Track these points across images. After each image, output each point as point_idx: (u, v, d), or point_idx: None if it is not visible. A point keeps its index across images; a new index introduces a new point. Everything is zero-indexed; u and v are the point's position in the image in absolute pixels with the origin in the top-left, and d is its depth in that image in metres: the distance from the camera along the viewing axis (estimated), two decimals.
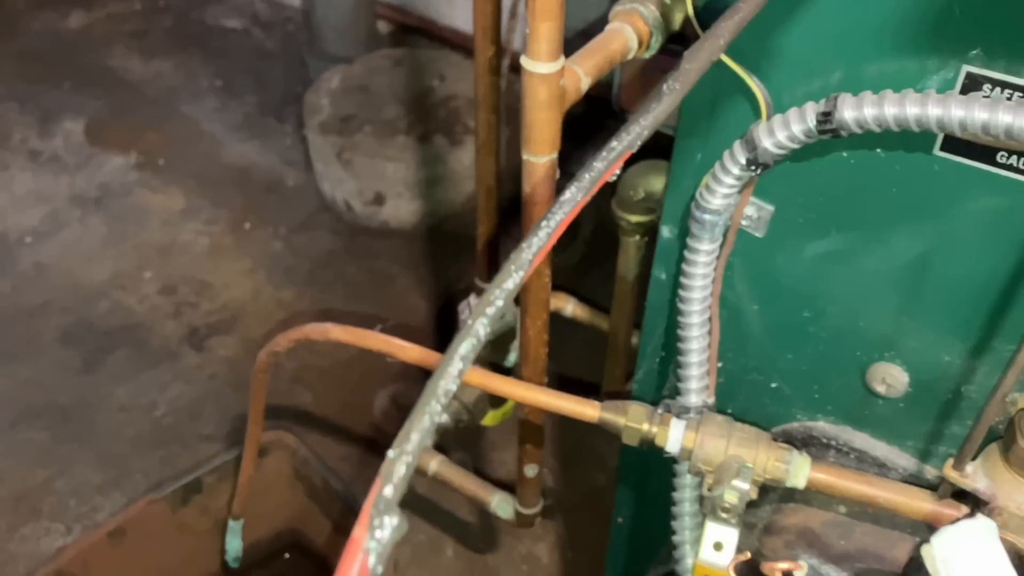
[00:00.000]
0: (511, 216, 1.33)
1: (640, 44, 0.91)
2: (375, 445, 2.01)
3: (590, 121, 1.86)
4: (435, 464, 1.29)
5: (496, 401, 1.39)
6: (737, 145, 0.77)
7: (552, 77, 0.81)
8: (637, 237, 1.13)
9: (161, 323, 2.30)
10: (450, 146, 2.43)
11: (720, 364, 0.94)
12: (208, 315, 2.32)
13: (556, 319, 1.66)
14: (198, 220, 2.56)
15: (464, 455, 1.91)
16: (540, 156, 0.85)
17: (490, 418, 1.41)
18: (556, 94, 0.82)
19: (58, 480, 1.98)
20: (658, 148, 1.01)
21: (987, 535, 0.49)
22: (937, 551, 0.49)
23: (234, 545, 1.37)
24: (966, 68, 0.67)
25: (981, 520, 0.50)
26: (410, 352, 0.89)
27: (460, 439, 1.62)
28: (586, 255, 2.32)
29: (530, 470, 1.14)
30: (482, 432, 1.88)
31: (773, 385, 0.93)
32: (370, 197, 2.45)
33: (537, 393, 0.86)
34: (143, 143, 2.78)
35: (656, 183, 1.05)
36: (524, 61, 0.81)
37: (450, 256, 2.47)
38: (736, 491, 0.76)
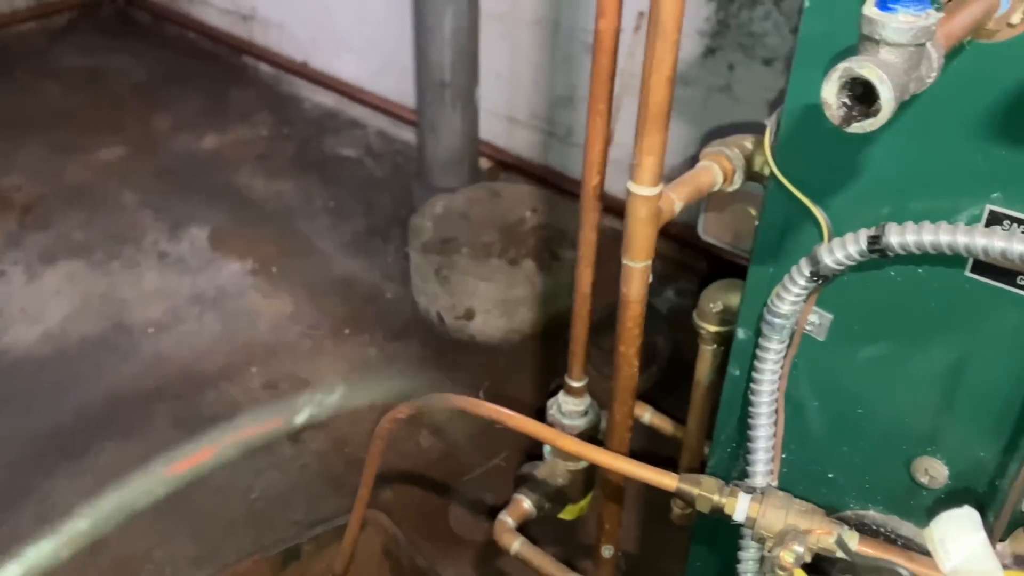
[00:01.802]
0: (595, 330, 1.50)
1: (724, 179, 1.11)
2: (448, 550, 2.12)
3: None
4: (517, 545, 1.42)
5: (575, 496, 1.52)
6: (803, 261, 0.94)
7: (652, 199, 1.00)
8: (714, 346, 1.29)
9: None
10: (538, 271, 2.64)
11: (784, 455, 1.07)
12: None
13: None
14: (303, 324, 2.79)
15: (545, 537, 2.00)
16: (637, 262, 1.03)
17: (568, 512, 1.53)
18: (654, 213, 1.01)
19: (157, 550, 2.14)
20: (734, 268, 1.19)
21: (973, 522, 0.61)
22: (935, 533, 0.61)
23: None
24: (989, 207, 0.84)
25: (967, 510, 0.62)
26: (520, 422, 1.05)
27: (541, 523, 1.73)
28: (660, 382, 2.46)
29: (606, 551, 1.27)
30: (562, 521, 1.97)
31: (829, 475, 1.06)
32: (461, 312, 2.66)
33: (622, 462, 1.00)
34: (259, 253, 3.07)
35: (732, 298, 1.22)
36: (630, 185, 1.01)
37: (529, 371, 2.64)
38: (793, 553, 0.89)
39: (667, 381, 2.42)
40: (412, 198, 3.17)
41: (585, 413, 1.45)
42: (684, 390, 1.65)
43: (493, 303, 2.63)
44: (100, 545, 2.14)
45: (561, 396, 1.47)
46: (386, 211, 3.29)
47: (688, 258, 2.86)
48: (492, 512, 2.22)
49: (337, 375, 2.61)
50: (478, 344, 2.70)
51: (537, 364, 2.64)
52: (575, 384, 1.42)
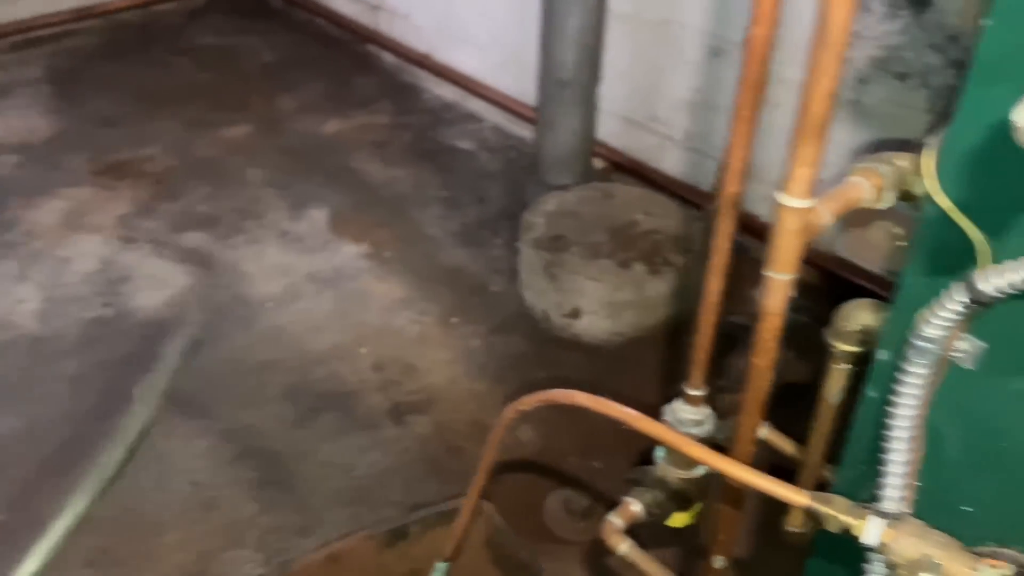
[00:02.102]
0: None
1: (875, 196, 1.09)
2: (542, 546, 2.13)
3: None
4: (625, 547, 1.42)
5: (684, 505, 1.51)
6: (957, 286, 0.92)
7: (802, 212, 0.99)
8: (846, 366, 1.27)
9: (368, 394, 2.56)
10: (647, 275, 2.63)
11: (918, 484, 1.05)
12: (409, 394, 2.57)
13: None
14: (412, 310, 2.85)
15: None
16: (782, 274, 1.02)
17: (675, 519, 1.53)
18: (804, 226, 1.00)
19: (263, 516, 2.22)
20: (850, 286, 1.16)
21: None
22: None
23: None
24: None
25: None
26: (648, 425, 1.05)
27: (650, 528, 1.73)
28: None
29: (719, 561, 1.26)
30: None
31: (965, 508, 1.03)
32: (568, 310, 2.67)
33: (753, 474, 0.99)
34: (374, 237, 3.15)
35: (869, 318, 1.20)
36: (780, 196, 1.00)
37: (631, 375, 2.62)
38: None
39: (776, 396, 2.38)
40: (524, 193, 3.20)
41: (701, 423, 1.44)
42: (794, 406, 1.62)
43: (600, 304, 2.64)
44: (210, 506, 2.24)
45: (677, 404, 1.46)
46: (497, 205, 3.32)
47: (804, 274, 2.80)
48: (586, 513, 2.23)
49: (442, 363, 2.66)
50: (582, 344, 2.71)
51: (640, 369, 2.63)
52: (695, 393, 1.41)
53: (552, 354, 2.70)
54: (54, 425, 2.42)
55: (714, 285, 1.32)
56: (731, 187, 1.25)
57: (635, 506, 1.44)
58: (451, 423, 2.48)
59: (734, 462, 1.01)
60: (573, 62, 2.90)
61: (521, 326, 2.80)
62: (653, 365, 2.64)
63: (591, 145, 3.13)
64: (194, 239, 3.12)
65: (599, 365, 2.66)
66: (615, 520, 1.43)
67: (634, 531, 1.56)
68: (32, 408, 2.48)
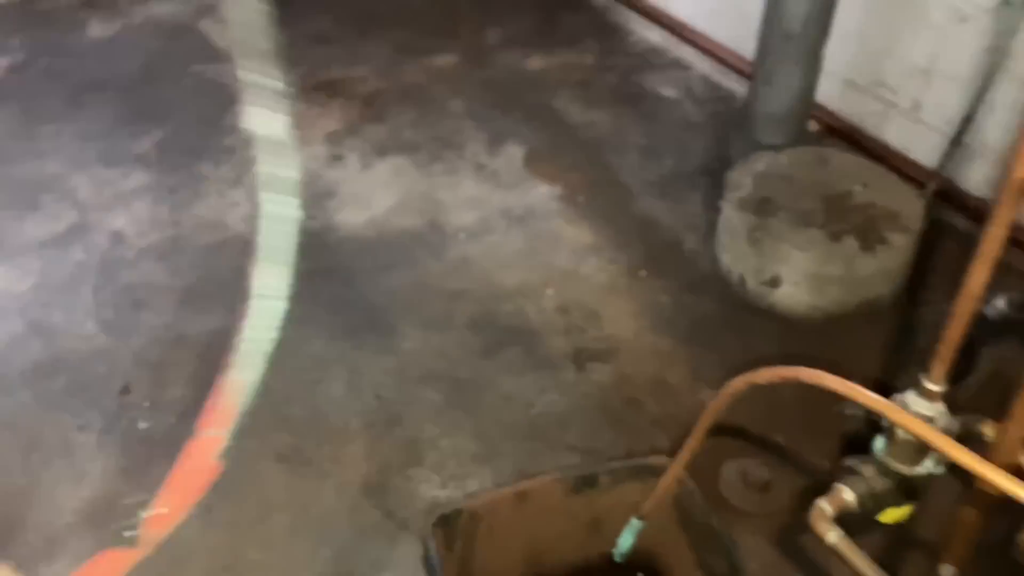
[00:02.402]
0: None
1: None
2: (721, 515, 2.07)
3: None
4: (833, 536, 1.35)
5: (900, 501, 1.42)
6: None
7: None
8: None
9: (551, 336, 2.56)
10: (859, 251, 2.48)
11: None
12: (592, 341, 2.55)
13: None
14: (601, 257, 2.82)
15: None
16: None
17: (888, 515, 1.44)
18: None
19: (443, 440, 2.28)
20: None
21: None
22: None
23: (626, 542, 1.52)
24: None
25: None
26: (898, 416, 0.98)
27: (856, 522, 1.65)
28: (974, 398, 2.24)
29: (946, 570, 1.18)
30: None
31: None
32: (766, 278, 2.56)
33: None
34: (568, 179, 3.12)
35: None
36: None
37: (827, 355, 2.49)
38: None
39: (982, 402, 2.20)
40: (729, 150, 3.07)
41: (935, 420, 1.34)
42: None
43: (803, 275, 2.51)
44: (394, 421, 2.32)
45: (910, 396, 1.37)
46: (698, 158, 3.21)
47: None
48: (764, 487, 2.16)
49: (627, 314, 2.62)
50: (777, 314, 2.60)
51: (839, 350, 2.48)
52: (933, 387, 1.32)
53: (743, 321, 2.60)
54: None
55: (978, 276, 1.21)
56: (1021, 171, 1.13)
57: (848, 495, 1.37)
58: (632, 376, 2.45)
59: (1000, 470, 0.92)
60: (803, 15, 2.73)
61: (713, 288, 2.71)
62: (853, 348, 2.49)
63: (809, 106, 2.96)
64: (396, 163, 3.20)
65: (793, 340, 2.55)
66: (825, 506, 1.37)
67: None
68: (240, 306, 2.62)
